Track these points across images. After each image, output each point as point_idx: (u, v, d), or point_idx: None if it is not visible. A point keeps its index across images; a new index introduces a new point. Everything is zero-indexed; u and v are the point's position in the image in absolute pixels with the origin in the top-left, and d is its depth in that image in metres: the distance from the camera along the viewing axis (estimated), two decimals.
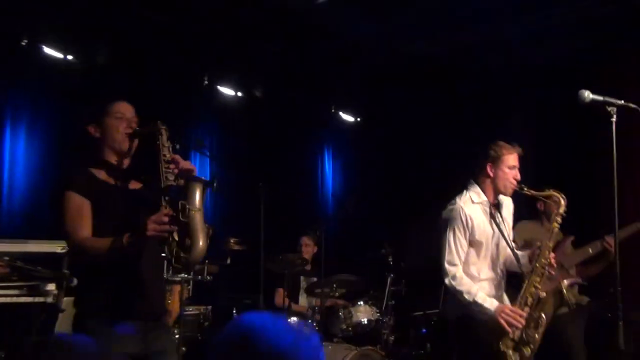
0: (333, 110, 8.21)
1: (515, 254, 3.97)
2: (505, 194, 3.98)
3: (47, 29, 5.85)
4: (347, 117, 8.38)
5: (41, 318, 4.61)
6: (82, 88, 6.12)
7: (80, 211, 3.01)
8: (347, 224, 7.85)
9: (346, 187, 8.62)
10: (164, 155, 3.04)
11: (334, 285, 6.16)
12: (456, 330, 4.03)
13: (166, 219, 2.83)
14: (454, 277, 3.82)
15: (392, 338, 6.06)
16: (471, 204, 3.93)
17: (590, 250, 5.11)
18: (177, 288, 5.48)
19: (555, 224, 3.92)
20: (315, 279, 6.32)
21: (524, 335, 3.76)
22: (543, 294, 3.86)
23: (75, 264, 3.32)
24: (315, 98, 7.98)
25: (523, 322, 3.73)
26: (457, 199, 3.96)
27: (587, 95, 3.31)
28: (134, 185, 3.21)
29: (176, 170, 3.03)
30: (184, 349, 5.52)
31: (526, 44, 6.99)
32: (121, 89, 6.20)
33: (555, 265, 3.88)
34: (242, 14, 6.44)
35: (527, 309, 3.79)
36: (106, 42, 6.20)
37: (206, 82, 7.03)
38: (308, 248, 6.74)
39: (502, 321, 3.68)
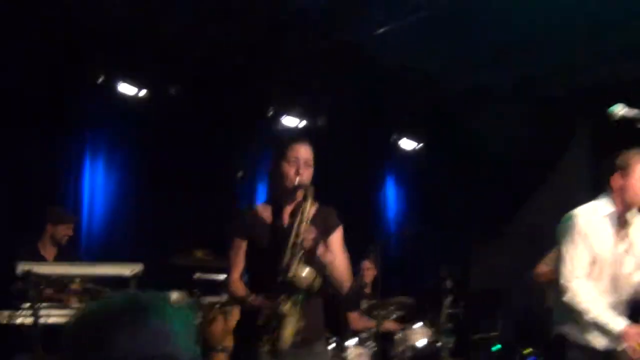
0: (395, 137, 8.10)
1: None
2: (635, 205, 3.46)
3: (121, 67, 5.98)
4: (409, 144, 8.25)
5: None
6: (155, 121, 6.27)
7: (237, 253, 3.23)
8: (406, 247, 7.74)
9: (408, 212, 8.46)
10: (297, 235, 2.99)
11: (391, 308, 6.02)
12: (556, 347, 3.54)
13: (265, 311, 2.97)
14: (576, 293, 3.35)
15: None
16: (593, 213, 3.47)
17: None
18: (238, 310, 5.45)
19: None
20: (371, 302, 6.15)
21: None
22: None
23: None
24: (378, 126, 7.91)
25: None
26: (577, 209, 3.51)
27: (619, 109, 3.11)
28: (286, 220, 3.21)
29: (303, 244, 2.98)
30: None
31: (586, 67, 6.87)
32: (191, 121, 6.35)
33: None
34: (307, 46, 6.50)
35: None
36: (176, 77, 6.30)
37: (271, 113, 7.03)
38: (369, 272, 6.59)
39: (629, 345, 3.23)
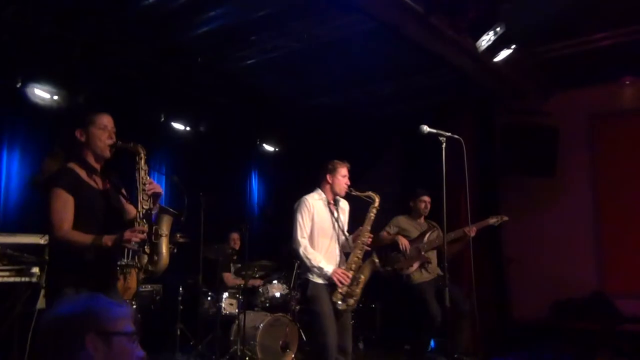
0: (259, 142, 8.17)
1: (346, 237, 4.07)
2: (340, 194, 4.06)
3: (37, 74, 5.57)
4: (269, 148, 8.35)
5: (26, 294, 4.39)
6: (64, 122, 5.87)
7: (66, 206, 2.69)
8: (267, 224, 7.84)
9: (267, 198, 8.54)
10: (142, 178, 2.83)
11: (255, 269, 6.10)
12: (303, 287, 4.07)
13: (141, 235, 2.70)
14: (305, 248, 3.92)
15: (297, 308, 6.01)
16: (314, 199, 4.04)
17: (453, 235, 5.20)
18: (135, 270, 5.27)
19: (372, 214, 4.04)
20: (240, 265, 6.22)
21: (349, 290, 3.89)
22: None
23: (54, 246, 2.89)
24: (246, 133, 7.92)
25: (348, 280, 3.87)
26: (305, 196, 4.08)
27: (425, 128, 3.46)
28: (105, 184, 2.93)
29: (149, 192, 2.84)
30: (139, 316, 5.33)
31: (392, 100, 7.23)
32: None
33: (370, 242, 4.00)
34: (191, 70, 6.42)
35: (351, 272, 3.92)
36: (84, 86, 5.94)
37: (162, 119, 6.85)
38: (237, 242, 6.66)
39: (335, 279, 3.82)
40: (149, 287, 5.70)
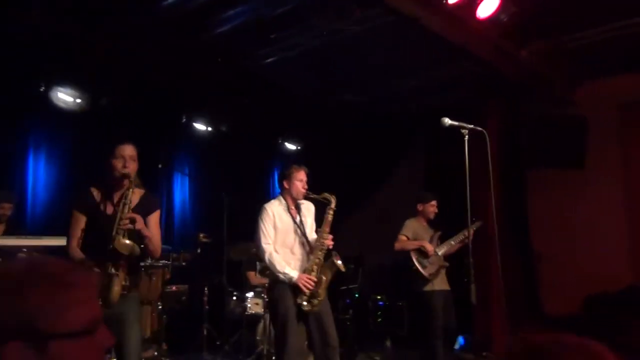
0: (280, 141, 8.10)
1: (307, 239, 4.07)
2: (297, 199, 4.11)
3: (60, 78, 5.62)
4: (291, 146, 8.28)
5: None
6: (88, 124, 5.93)
7: (77, 224, 3.11)
8: None
9: None
10: (121, 218, 3.01)
11: None
12: (269, 289, 4.22)
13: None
14: (270, 254, 3.98)
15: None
16: (274, 206, 4.11)
17: (452, 243, 5.26)
18: (160, 272, 5.28)
19: (329, 216, 4.05)
20: (264, 264, 6.14)
21: (312, 291, 3.92)
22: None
23: None
24: (268, 131, 7.86)
25: (313, 285, 3.90)
26: (265, 204, 4.15)
27: (447, 121, 3.35)
28: (110, 208, 3.15)
29: (128, 226, 3.02)
30: (165, 317, 5.33)
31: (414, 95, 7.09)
32: (118, 125, 6.04)
33: (330, 244, 4.02)
34: (211, 69, 6.39)
35: (313, 274, 3.95)
36: (106, 90, 5.98)
37: (184, 120, 6.85)
38: None
39: (301, 285, 3.89)
40: (174, 288, 5.68)
